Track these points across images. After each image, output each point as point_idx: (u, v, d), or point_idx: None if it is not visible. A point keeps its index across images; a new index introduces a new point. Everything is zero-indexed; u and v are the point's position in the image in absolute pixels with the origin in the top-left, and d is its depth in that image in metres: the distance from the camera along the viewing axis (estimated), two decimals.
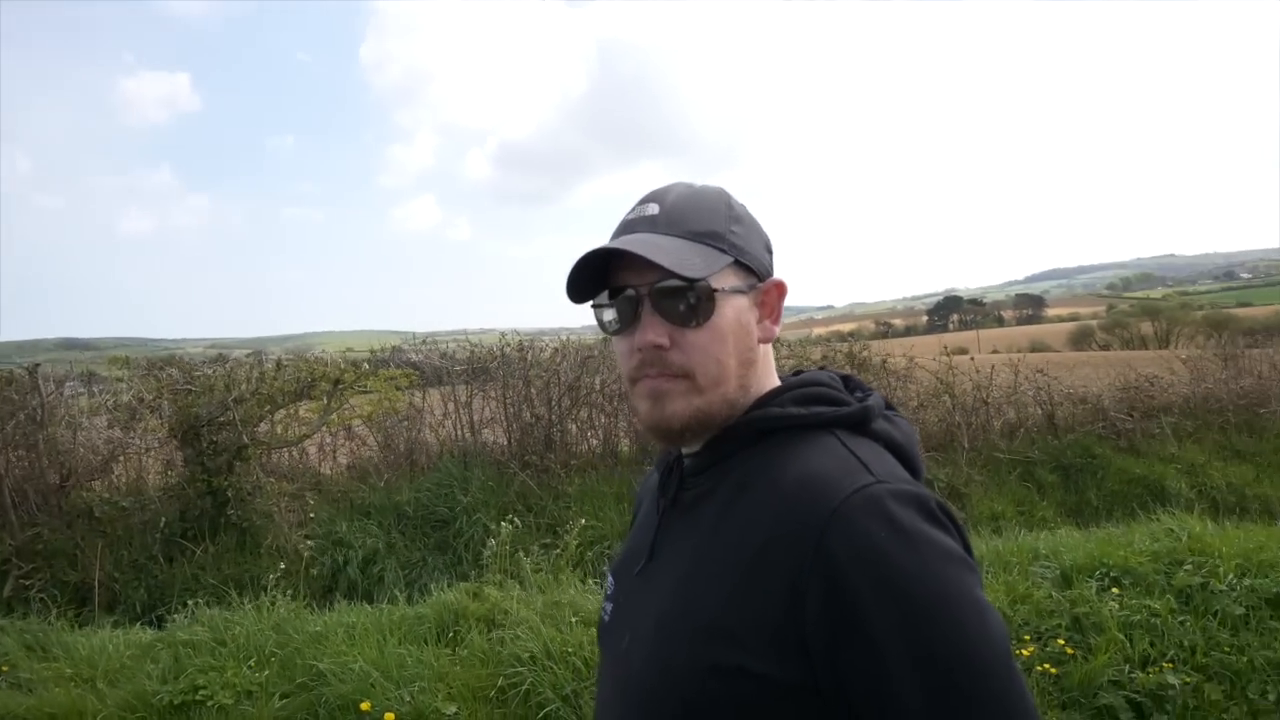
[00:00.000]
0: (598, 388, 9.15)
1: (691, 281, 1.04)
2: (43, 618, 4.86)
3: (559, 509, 7.59)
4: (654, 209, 1.10)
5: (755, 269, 1.12)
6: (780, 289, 1.15)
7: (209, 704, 3.67)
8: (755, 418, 1.08)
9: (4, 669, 4.03)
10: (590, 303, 1.13)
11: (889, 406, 1.16)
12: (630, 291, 1.07)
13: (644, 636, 1.07)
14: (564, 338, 10.03)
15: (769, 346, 1.16)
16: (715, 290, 1.06)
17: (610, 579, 1.27)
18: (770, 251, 1.16)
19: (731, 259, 1.08)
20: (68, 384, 8.17)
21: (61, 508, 6.56)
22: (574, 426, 9.08)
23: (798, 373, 1.17)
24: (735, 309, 1.09)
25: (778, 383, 1.15)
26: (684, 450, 1.15)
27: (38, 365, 7.16)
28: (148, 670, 3.97)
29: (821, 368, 1.19)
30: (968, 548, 0.97)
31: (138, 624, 5.08)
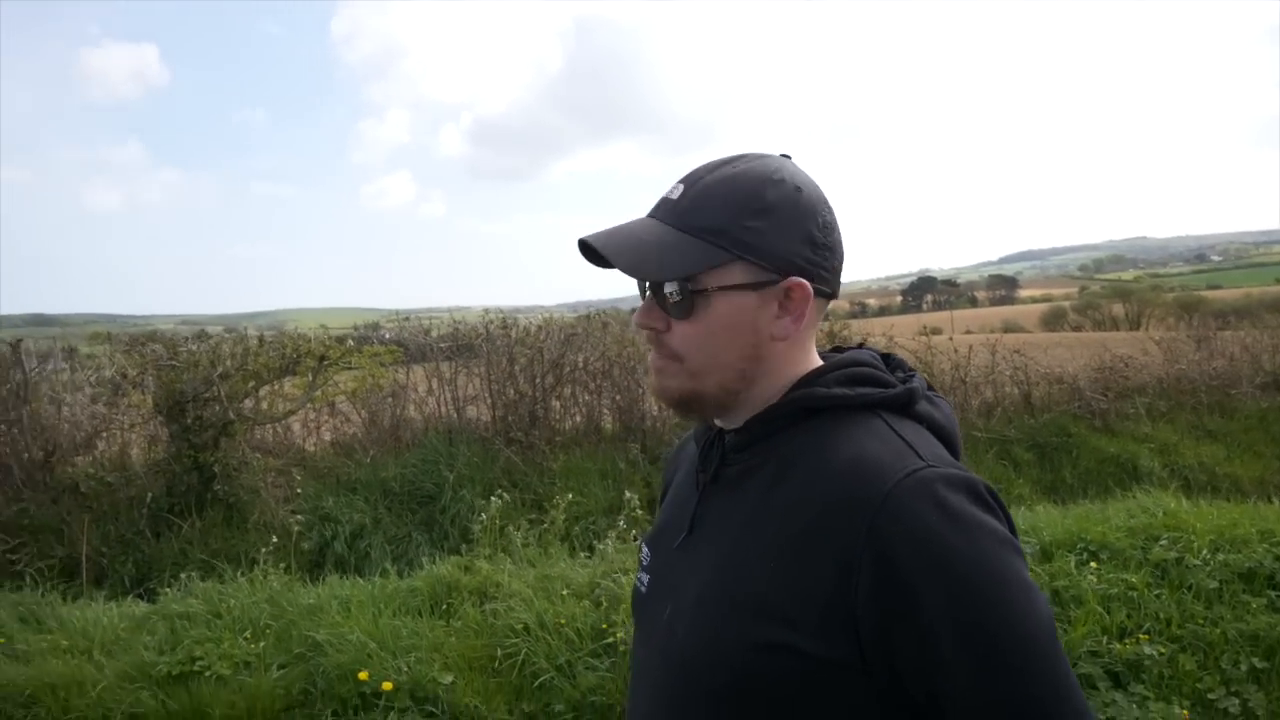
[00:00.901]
0: (581, 365, 9.19)
1: (661, 281, 1.07)
2: (34, 591, 4.86)
3: (544, 485, 7.65)
4: (679, 192, 1.08)
5: (774, 265, 1.06)
6: (800, 288, 1.07)
7: (207, 674, 3.70)
8: (801, 396, 1.08)
9: (0, 641, 4.04)
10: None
11: (930, 388, 1.15)
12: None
13: (687, 609, 1.08)
14: (544, 316, 10.04)
15: (793, 341, 1.11)
16: (702, 289, 1.05)
17: (645, 550, 1.26)
18: (813, 244, 1.08)
19: (734, 256, 1.05)
20: (50, 360, 8.13)
21: (46, 483, 6.54)
22: (557, 404, 9.12)
23: (837, 349, 1.17)
24: (734, 306, 1.06)
25: (815, 363, 1.13)
26: (724, 425, 1.14)
27: (20, 341, 7.11)
28: (144, 642, 3.99)
29: (860, 345, 1.19)
30: (1014, 531, 0.99)
31: (129, 597, 5.09)
